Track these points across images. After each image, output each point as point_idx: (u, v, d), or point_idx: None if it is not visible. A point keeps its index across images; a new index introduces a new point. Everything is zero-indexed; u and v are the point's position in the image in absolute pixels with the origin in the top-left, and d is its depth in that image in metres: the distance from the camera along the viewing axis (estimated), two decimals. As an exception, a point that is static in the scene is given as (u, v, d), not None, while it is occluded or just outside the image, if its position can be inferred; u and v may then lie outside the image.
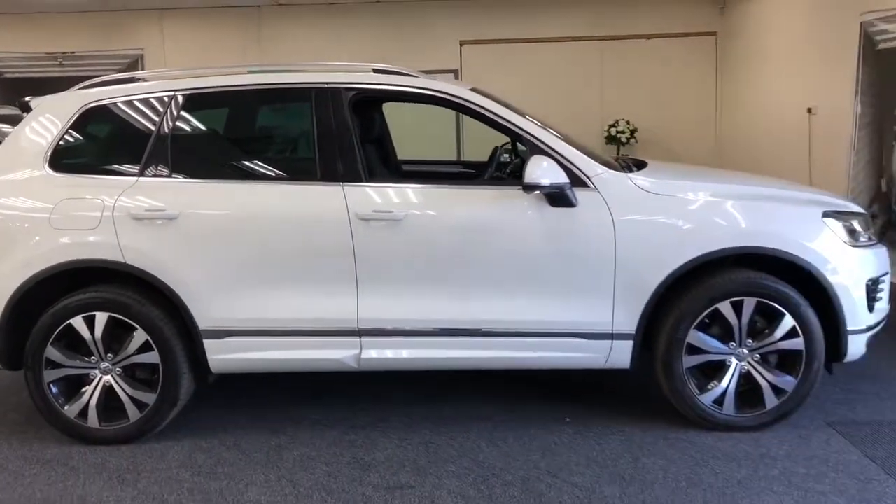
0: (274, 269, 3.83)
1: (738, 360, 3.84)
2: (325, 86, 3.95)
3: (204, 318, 3.84)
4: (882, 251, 4.06)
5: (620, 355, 3.85)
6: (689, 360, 3.83)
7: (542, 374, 4.62)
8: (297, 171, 3.99)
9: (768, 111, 9.27)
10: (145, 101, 4.00)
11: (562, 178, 3.70)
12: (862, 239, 3.95)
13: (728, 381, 3.84)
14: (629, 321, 3.80)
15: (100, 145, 4.07)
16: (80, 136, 4.03)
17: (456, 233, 3.82)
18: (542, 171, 3.66)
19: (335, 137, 3.88)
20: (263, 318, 3.84)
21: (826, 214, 3.85)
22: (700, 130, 10.91)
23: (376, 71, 4.09)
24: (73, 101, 4.04)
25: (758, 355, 3.84)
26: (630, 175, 3.89)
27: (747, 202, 3.84)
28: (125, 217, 3.81)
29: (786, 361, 3.86)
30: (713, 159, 10.80)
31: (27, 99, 4.12)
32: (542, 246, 3.79)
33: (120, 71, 11.01)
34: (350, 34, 10.87)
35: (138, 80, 4.13)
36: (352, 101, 3.94)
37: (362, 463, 3.66)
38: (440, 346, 3.86)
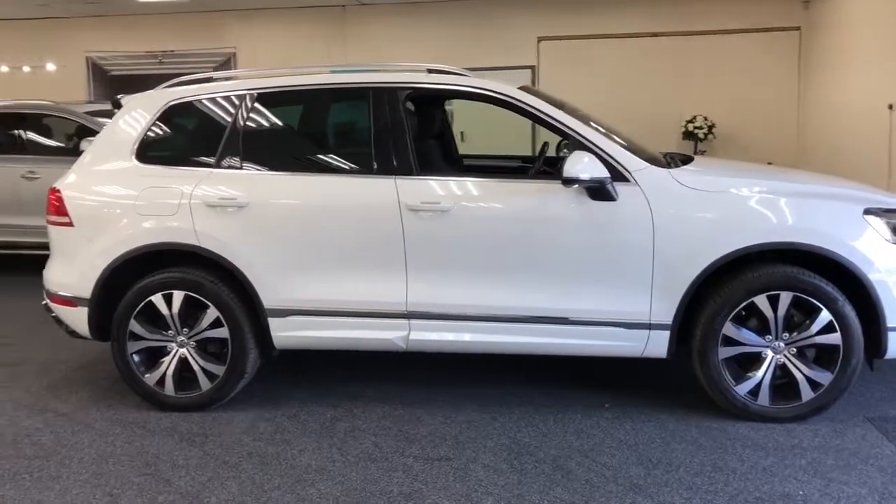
0: (332, 254, 4.15)
1: (774, 352, 3.93)
2: (382, 86, 4.23)
3: (269, 297, 4.19)
4: (931, 250, 4.05)
5: (657, 345, 4.00)
6: (725, 352, 3.94)
7: (584, 363, 4.78)
8: (355, 164, 4.28)
9: (850, 107, 9.08)
10: (221, 100, 4.39)
11: (601, 172, 3.86)
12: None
13: (763, 372, 3.94)
14: (666, 312, 3.94)
15: (180, 139, 4.47)
16: (163, 131, 4.44)
17: (500, 224, 4.04)
18: (582, 166, 3.84)
19: (390, 134, 4.16)
20: (322, 299, 4.16)
21: (868, 212, 3.89)
22: (781, 127, 10.74)
23: (430, 71, 4.34)
24: (157, 99, 4.46)
25: (794, 349, 3.92)
26: (671, 171, 4.03)
27: (786, 199, 3.91)
28: (200, 205, 4.19)
29: (823, 356, 3.93)
30: (794, 156, 10.62)
31: (119, 97, 4.57)
32: (582, 238, 3.97)
33: (215, 68, 11.69)
34: (430, 31, 11.18)
35: (215, 79, 4.52)
36: (406, 99, 4.22)
37: (407, 436, 3.93)
38: (483, 331, 4.09)
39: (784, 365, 3.93)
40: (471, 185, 4.14)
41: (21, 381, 4.86)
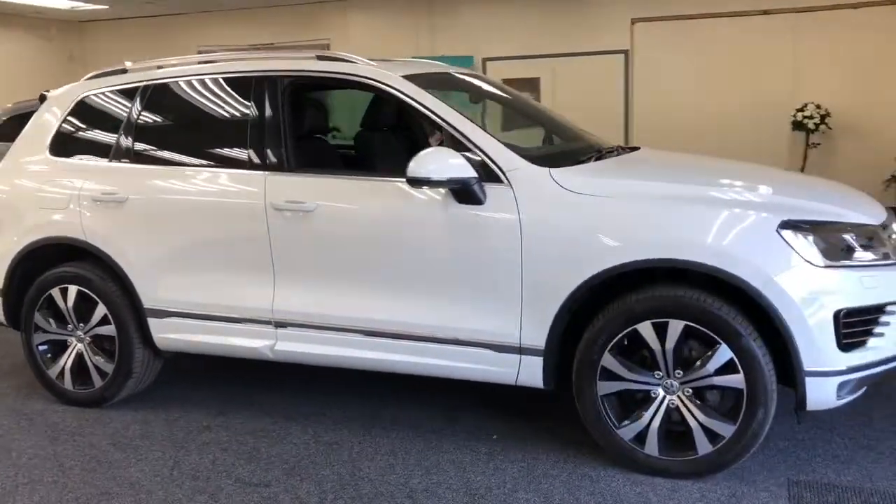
0: (202, 253, 3.94)
1: (666, 392, 3.24)
2: (262, 75, 3.95)
3: (147, 296, 4.05)
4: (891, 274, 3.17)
5: (531, 373, 3.42)
6: (605, 387, 3.30)
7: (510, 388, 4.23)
8: (232, 159, 3.98)
9: None
10: (122, 92, 4.29)
11: (463, 172, 3.34)
12: (863, 256, 3.12)
13: (651, 415, 3.26)
14: (538, 336, 3.36)
15: (87, 132, 4.40)
16: (75, 124, 4.39)
17: (362, 227, 3.64)
18: (437, 164, 3.33)
19: (265, 125, 3.88)
20: (194, 301, 3.96)
21: (787, 225, 3.08)
22: (915, 117, 9.17)
23: (319, 57, 3.98)
24: (72, 93, 4.44)
25: (690, 390, 3.20)
26: (553, 170, 3.42)
27: (680, 205, 3.20)
28: (88, 199, 4.12)
29: (729, 402, 3.19)
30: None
31: (45, 91, 4.60)
32: (446, 246, 3.48)
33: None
34: (519, 16, 10.64)
35: (129, 71, 4.41)
36: (286, 89, 3.90)
37: (252, 455, 3.64)
38: (349, 346, 3.70)
39: (678, 408, 3.23)
40: (340, 183, 3.75)
41: (-21, 364, 5.07)
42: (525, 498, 3.16)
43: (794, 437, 3.59)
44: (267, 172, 3.82)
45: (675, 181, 3.48)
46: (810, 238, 3.07)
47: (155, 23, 12.34)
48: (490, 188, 3.40)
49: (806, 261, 3.04)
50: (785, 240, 3.06)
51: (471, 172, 3.36)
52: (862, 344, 3.10)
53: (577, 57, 10.35)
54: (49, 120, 4.44)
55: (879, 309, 3.13)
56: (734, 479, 3.23)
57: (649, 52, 10.15)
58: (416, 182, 3.36)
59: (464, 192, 3.40)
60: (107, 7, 11.32)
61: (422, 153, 3.38)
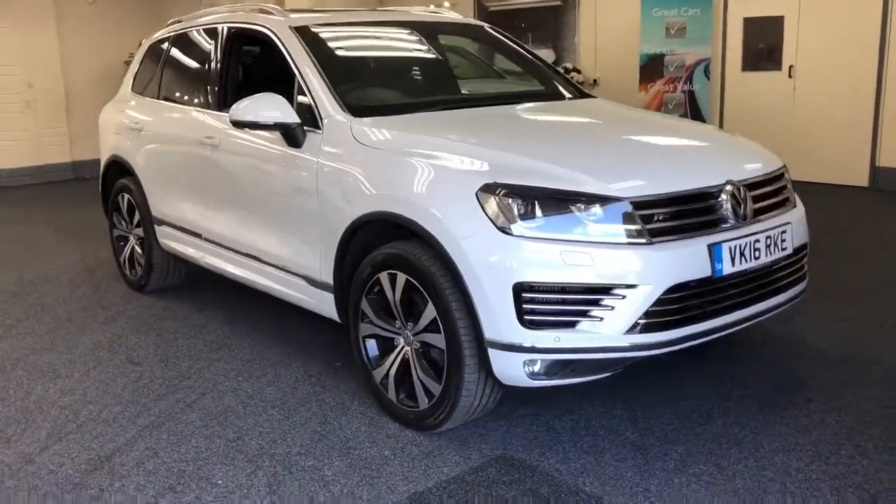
0: (172, 175, 4.83)
1: (406, 343, 3.32)
2: (214, 25, 4.64)
3: (154, 207, 5.08)
4: (625, 254, 2.85)
5: (329, 306, 3.72)
6: (364, 329, 3.48)
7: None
8: (200, 98, 4.73)
9: None
10: (163, 41, 5.29)
11: (283, 117, 3.65)
12: (582, 230, 2.86)
13: (390, 362, 3.37)
14: (329, 273, 3.64)
15: (145, 73, 5.49)
16: (144, 67, 5.53)
17: (237, 159, 4.21)
18: (259, 107, 3.66)
19: (212, 70, 4.57)
20: (171, 214, 4.88)
21: (486, 188, 2.93)
22: None
23: (261, 11, 4.49)
24: (147, 42, 5.58)
25: (417, 343, 3.25)
26: (354, 120, 3.59)
27: (412, 162, 3.24)
28: (128, 126, 5.25)
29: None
30: None
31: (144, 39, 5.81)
32: (276, 183, 3.92)
33: (548, 8, 11.92)
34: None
35: (181, 21, 5.38)
36: (226, 38, 4.52)
37: (168, 342, 4.48)
38: (234, 263, 4.35)
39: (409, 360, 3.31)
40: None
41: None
42: (266, 417, 3.51)
43: (571, 418, 3.37)
44: (205, 110, 4.53)
45: (440, 137, 3.40)
46: (509, 204, 2.89)
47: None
48: (310, 133, 3.70)
49: (497, 227, 2.88)
50: (480, 202, 2.93)
51: (291, 118, 3.68)
52: (567, 325, 2.85)
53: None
54: (134, 63, 5.64)
55: (599, 290, 2.84)
56: (453, 439, 3.23)
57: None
58: (236, 123, 3.78)
59: (287, 135, 3.75)
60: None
61: (250, 97, 3.76)
